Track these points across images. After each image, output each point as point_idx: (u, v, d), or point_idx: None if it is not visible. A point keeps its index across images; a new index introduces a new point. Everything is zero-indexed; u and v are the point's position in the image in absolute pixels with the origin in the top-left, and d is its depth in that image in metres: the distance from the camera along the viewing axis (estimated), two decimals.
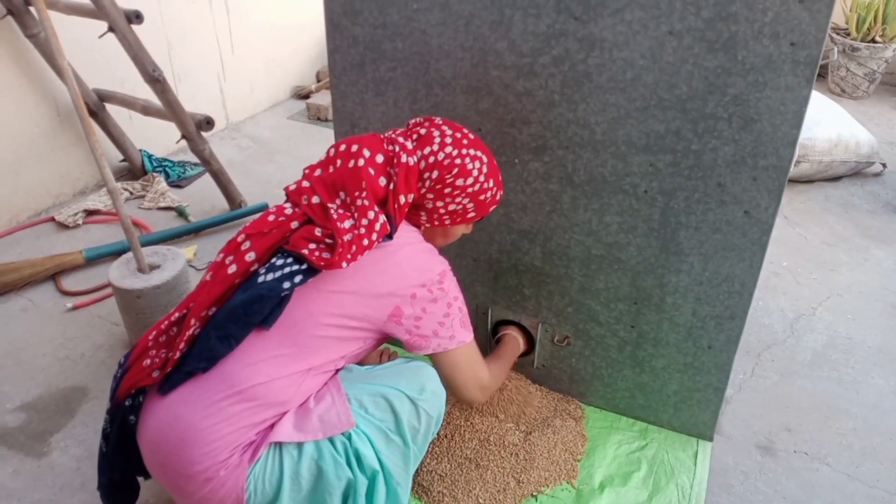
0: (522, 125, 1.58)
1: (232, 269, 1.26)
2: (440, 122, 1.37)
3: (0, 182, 2.70)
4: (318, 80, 4.45)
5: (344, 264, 1.19)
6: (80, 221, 2.80)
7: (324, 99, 4.01)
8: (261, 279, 1.23)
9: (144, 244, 2.24)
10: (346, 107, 1.76)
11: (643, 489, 1.66)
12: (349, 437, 1.26)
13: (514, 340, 1.85)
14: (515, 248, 1.75)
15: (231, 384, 1.21)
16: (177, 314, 1.30)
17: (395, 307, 1.29)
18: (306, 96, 4.24)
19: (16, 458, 1.74)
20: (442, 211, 1.37)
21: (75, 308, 2.30)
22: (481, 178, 1.35)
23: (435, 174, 1.32)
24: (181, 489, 1.25)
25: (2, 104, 2.63)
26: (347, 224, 1.24)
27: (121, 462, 1.37)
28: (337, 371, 1.35)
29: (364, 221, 1.25)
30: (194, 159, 3.16)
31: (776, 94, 1.33)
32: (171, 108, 2.61)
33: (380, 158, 1.29)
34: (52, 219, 2.81)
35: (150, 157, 3.17)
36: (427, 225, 1.41)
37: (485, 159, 1.37)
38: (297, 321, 1.25)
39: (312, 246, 1.23)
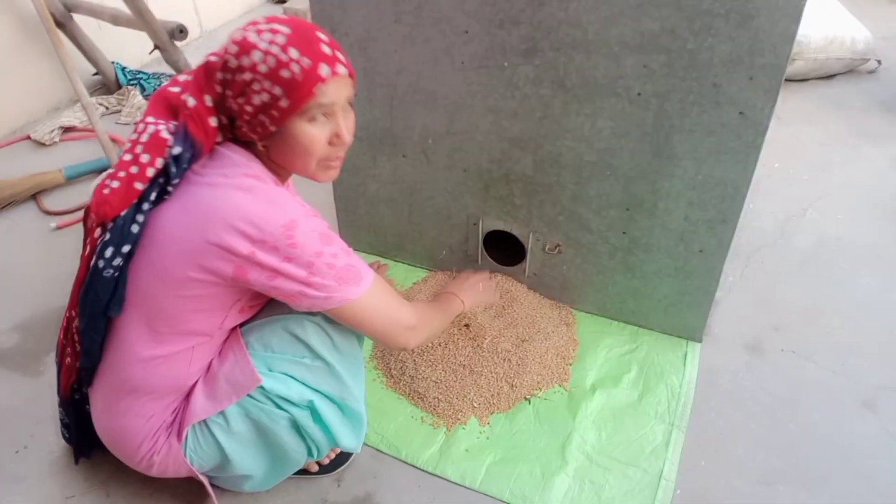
0: (511, 26, 1.51)
1: (87, 250, 1.16)
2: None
3: None
4: None
5: (114, 213, 1.05)
6: (56, 139, 2.72)
7: (302, 2, 3.84)
8: (93, 262, 1.11)
9: None
10: (325, 10, 1.68)
11: (633, 390, 1.70)
12: (264, 387, 1.20)
13: (454, 299, 1.64)
14: (506, 156, 1.71)
15: (122, 383, 1.19)
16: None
17: (236, 266, 1.07)
18: (283, 0, 4.05)
19: (14, 377, 1.75)
20: (248, 109, 1.05)
21: (59, 228, 2.26)
22: (274, 49, 1.02)
23: (221, 60, 1.06)
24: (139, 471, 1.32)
25: None
26: (128, 157, 1.07)
27: (89, 444, 1.43)
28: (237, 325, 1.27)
29: (143, 138, 1.07)
30: (169, 70, 3.05)
31: None
32: (141, 17, 2.49)
33: (190, 77, 1.11)
34: (28, 137, 2.73)
35: (123, 69, 3.05)
36: (258, 140, 1.11)
37: (283, 30, 1.04)
38: (146, 302, 1.12)
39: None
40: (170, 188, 1.07)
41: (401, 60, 1.67)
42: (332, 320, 1.22)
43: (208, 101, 1.07)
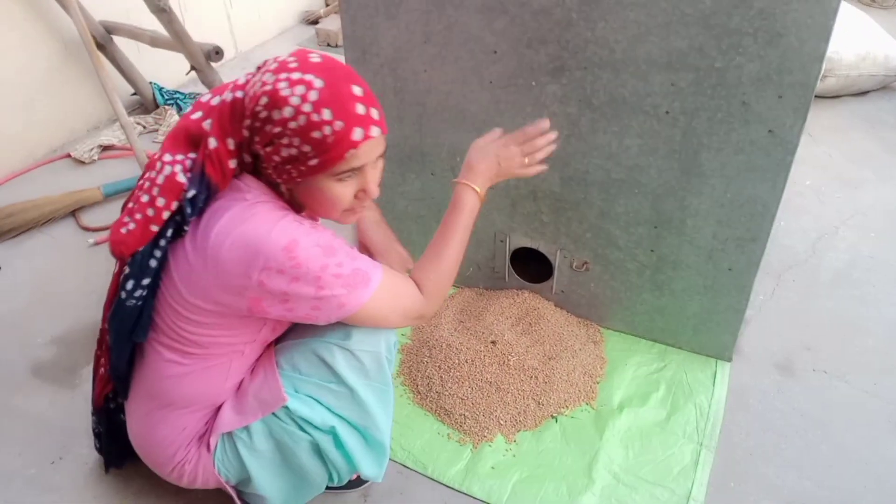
0: (539, 45, 1.53)
1: (117, 267, 1.19)
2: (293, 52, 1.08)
3: (13, 119, 2.68)
4: (327, 5, 4.34)
5: (130, 252, 1.08)
6: (95, 157, 2.79)
7: (333, 24, 3.91)
8: (117, 292, 1.15)
9: None
10: (357, 32, 1.71)
11: (662, 409, 1.69)
12: (288, 407, 1.20)
13: (464, 197, 1.29)
14: None
15: (155, 396, 1.22)
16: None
17: (250, 299, 1.07)
18: (315, 21, 4.13)
19: (50, 389, 1.79)
20: (276, 158, 1.03)
21: (97, 244, 2.32)
22: (305, 108, 0.98)
23: (249, 108, 1.03)
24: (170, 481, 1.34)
25: (8, 39, 2.59)
26: (145, 199, 1.08)
27: (119, 453, 1.46)
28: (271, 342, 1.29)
29: (159, 180, 1.06)
30: (205, 91, 3.12)
31: (804, 7, 1.27)
32: (178, 39, 2.56)
33: (216, 101, 1.08)
34: (68, 155, 2.81)
35: (160, 89, 3.13)
36: (280, 182, 1.09)
37: (317, 84, 0.99)
38: (173, 331, 1.14)
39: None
40: (186, 227, 1.07)
41: (430, 80, 1.70)
42: (358, 348, 1.21)
43: (231, 144, 1.06)
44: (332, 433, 1.24)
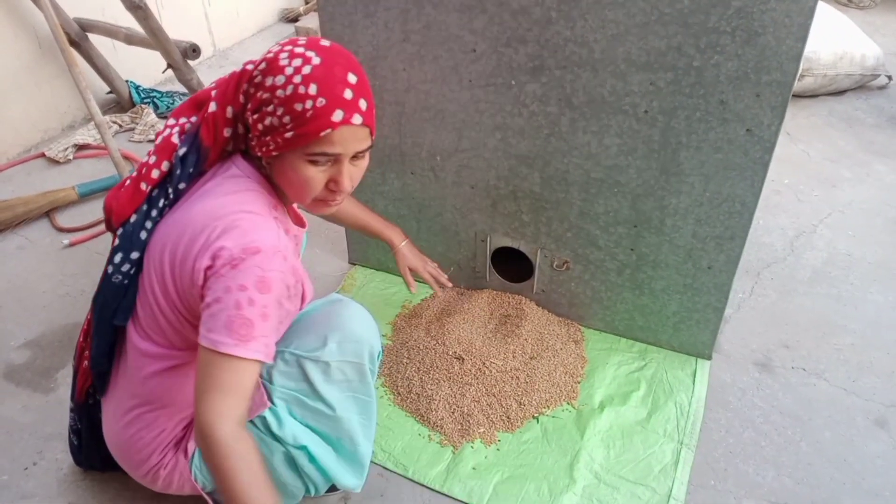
0: (518, 45, 1.52)
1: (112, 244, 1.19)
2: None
3: None
4: (307, 2, 4.31)
5: (120, 210, 1.07)
6: (70, 156, 2.75)
7: (313, 22, 3.89)
8: (104, 267, 1.14)
9: None
10: (335, 30, 1.70)
11: (642, 408, 1.69)
12: (263, 417, 1.19)
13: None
14: (513, 173, 1.72)
15: (134, 395, 1.19)
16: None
17: (202, 282, 1.02)
18: (295, 20, 4.10)
19: (24, 394, 1.76)
20: (259, 126, 1.04)
21: (72, 245, 2.28)
22: (296, 79, 0.99)
23: (248, 72, 1.05)
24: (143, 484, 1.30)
25: None
26: (144, 159, 1.11)
27: (97, 453, 1.41)
28: None
29: (158, 141, 1.08)
30: (182, 89, 3.08)
31: (781, 6, 1.28)
32: (155, 37, 2.53)
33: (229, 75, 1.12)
34: (43, 154, 2.76)
35: (137, 88, 3.09)
36: (263, 158, 1.09)
37: (315, 60, 1.00)
38: (156, 315, 1.11)
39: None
40: (170, 189, 1.08)
41: (409, 78, 1.68)
42: (335, 359, 1.21)
43: (229, 112, 1.07)
44: (304, 450, 1.23)
